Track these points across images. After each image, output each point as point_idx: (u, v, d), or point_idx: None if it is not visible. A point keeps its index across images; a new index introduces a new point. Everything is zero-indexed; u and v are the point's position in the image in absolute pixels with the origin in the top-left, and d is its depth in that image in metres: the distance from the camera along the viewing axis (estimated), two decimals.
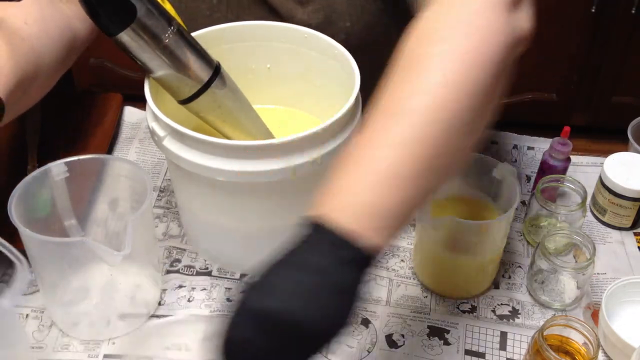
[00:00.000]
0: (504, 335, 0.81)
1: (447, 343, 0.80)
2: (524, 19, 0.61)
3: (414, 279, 0.87)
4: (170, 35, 0.72)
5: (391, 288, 0.86)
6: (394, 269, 0.88)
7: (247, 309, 0.52)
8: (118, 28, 0.70)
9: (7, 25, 0.77)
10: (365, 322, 0.81)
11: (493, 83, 0.58)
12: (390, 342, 0.80)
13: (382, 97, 0.57)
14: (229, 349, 0.52)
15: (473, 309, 0.84)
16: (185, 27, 0.75)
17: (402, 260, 0.89)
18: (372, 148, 0.55)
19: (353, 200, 0.54)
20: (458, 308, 0.84)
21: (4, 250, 0.65)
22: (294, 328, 0.50)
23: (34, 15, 0.79)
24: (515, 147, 1.07)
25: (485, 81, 0.57)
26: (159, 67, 0.74)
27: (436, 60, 0.56)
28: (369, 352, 0.79)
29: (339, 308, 0.52)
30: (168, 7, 0.76)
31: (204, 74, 0.76)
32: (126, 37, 0.70)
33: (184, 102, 0.77)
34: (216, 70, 0.76)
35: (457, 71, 0.56)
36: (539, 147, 1.06)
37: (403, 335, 0.81)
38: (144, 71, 0.76)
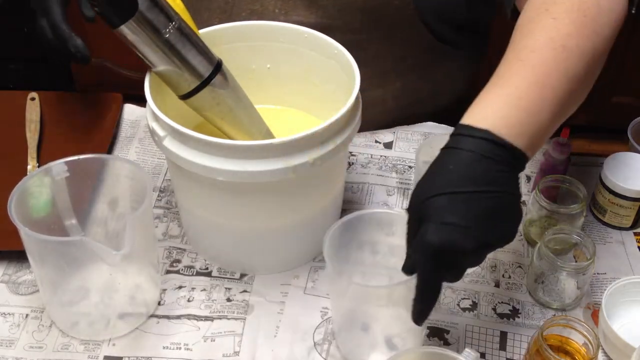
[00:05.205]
0: (503, 335, 0.81)
1: (447, 343, 0.80)
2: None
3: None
4: (171, 30, 0.73)
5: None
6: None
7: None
8: (119, 20, 0.71)
9: None
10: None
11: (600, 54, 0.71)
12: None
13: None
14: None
15: (474, 306, 0.84)
16: (189, 24, 0.76)
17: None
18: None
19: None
20: (458, 305, 0.84)
21: None
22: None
23: None
24: None
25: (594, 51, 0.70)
26: (160, 61, 0.75)
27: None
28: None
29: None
30: (177, 4, 0.77)
31: (204, 71, 0.76)
32: (127, 29, 0.71)
33: (184, 97, 0.78)
34: (217, 68, 0.77)
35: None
36: None
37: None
38: (146, 65, 0.77)
